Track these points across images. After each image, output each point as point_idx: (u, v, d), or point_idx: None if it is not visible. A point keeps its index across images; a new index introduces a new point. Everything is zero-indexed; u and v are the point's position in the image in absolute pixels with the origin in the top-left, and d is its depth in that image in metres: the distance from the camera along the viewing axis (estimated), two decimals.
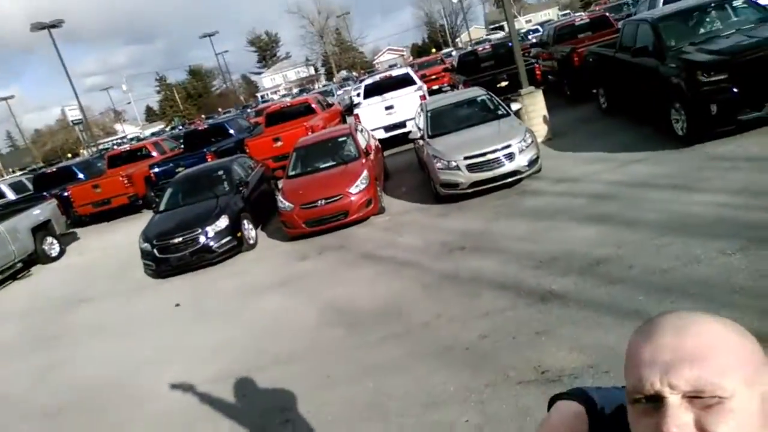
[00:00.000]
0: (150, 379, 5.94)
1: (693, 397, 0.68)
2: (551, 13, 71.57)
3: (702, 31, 8.69)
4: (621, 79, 10.42)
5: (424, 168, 9.85)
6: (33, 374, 6.94)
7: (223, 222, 9.14)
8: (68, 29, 31.63)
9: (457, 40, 78.31)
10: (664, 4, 14.50)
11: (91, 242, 14.36)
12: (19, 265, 12.33)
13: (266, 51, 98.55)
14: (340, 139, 10.44)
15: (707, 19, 8.83)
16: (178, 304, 7.96)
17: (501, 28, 72.22)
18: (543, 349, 4.31)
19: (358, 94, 17.44)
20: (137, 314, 8.12)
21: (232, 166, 10.79)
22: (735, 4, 8.91)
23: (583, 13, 34.69)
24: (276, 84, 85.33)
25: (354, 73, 63.26)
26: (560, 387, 3.83)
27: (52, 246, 13.25)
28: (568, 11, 62.95)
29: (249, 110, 38.88)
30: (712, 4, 9.08)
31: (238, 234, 9.29)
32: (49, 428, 5.55)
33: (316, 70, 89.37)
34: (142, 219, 15.09)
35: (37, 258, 12.76)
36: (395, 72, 16.93)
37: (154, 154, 17.52)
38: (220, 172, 10.58)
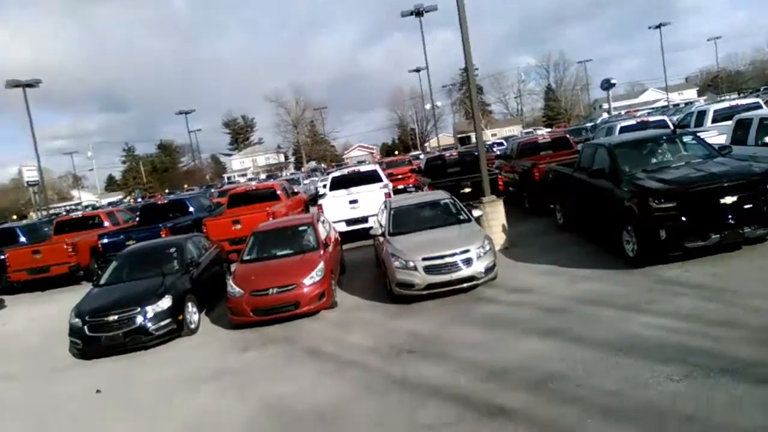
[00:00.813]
0: None
1: None
2: (515, 130, 76.05)
3: (654, 160, 9.21)
4: (577, 197, 10.82)
5: (382, 265, 9.76)
6: None
7: (165, 302, 8.65)
8: (41, 89, 31.42)
9: (426, 144, 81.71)
10: (620, 132, 15.58)
11: (19, 311, 13.41)
12: None
13: (239, 134, 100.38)
14: (301, 228, 10.31)
15: (659, 150, 9.40)
16: (99, 391, 7.27)
17: (468, 138, 76.02)
18: None
19: (324, 185, 17.59)
20: (50, 398, 7.38)
21: (186, 244, 10.44)
22: (685, 139, 9.55)
23: (545, 132, 36.80)
24: (245, 167, 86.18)
25: (323, 165, 64.58)
26: None
27: None
28: (531, 129, 67.02)
29: (213, 190, 38.74)
30: (665, 137, 9.73)
31: (180, 317, 8.78)
32: None
33: (286, 157, 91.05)
34: (80, 291, 14.30)
35: None
36: (363, 168, 17.28)
37: (107, 224, 16.94)
38: (172, 250, 10.19)
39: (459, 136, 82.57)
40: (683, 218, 7.65)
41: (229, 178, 73.03)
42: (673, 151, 9.44)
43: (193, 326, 9.10)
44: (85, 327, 8.42)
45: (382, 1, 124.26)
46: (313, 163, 70.18)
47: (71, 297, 13.53)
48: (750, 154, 9.91)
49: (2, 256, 14.96)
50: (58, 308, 12.73)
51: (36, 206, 56.17)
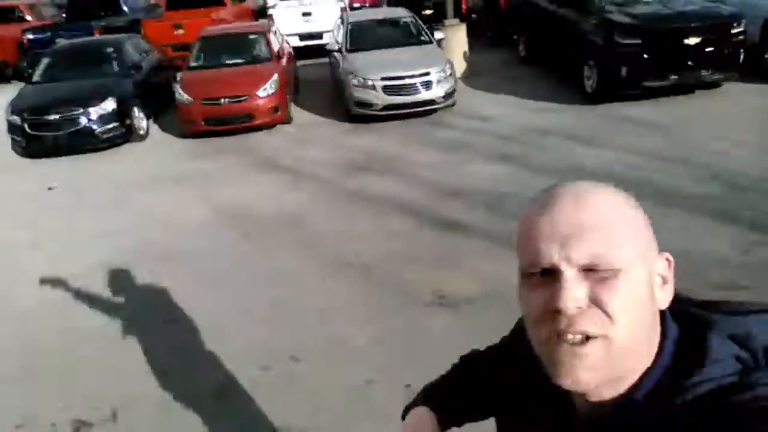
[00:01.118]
0: (17, 263, 5.33)
1: (588, 270, 0.66)
2: None
3: None
4: (542, 28, 10.52)
5: (338, 84, 9.47)
6: None
7: (109, 104, 8.21)
8: None
9: None
10: None
11: None
12: None
13: None
14: (252, 37, 9.65)
15: None
16: (51, 187, 7.15)
17: None
18: (444, 275, 4.39)
19: None
20: (2, 193, 7.19)
21: (125, 45, 9.62)
22: None
23: None
24: None
25: None
26: (454, 312, 3.95)
27: None
28: None
29: None
30: None
31: (127, 121, 8.42)
32: None
33: None
34: (9, 90, 13.28)
35: None
36: None
37: (29, 18, 15.16)
38: (110, 49, 9.40)
39: None
40: (645, 56, 7.68)
41: None
42: None
43: (142, 132, 8.79)
44: (25, 125, 7.98)
45: None
46: None
47: (1, 95, 12.63)
48: None
49: None
50: None
51: None
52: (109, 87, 8.45)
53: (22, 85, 13.15)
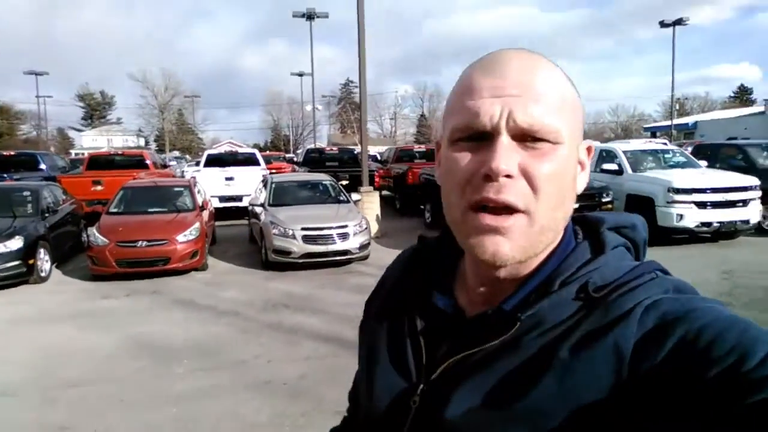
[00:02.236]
0: None
1: (523, 141, 0.64)
2: (383, 149, 78.86)
3: None
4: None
5: (256, 239, 9.85)
6: None
7: (15, 243, 7.93)
8: None
9: (299, 151, 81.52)
10: None
11: None
12: None
13: (95, 110, 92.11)
14: (176, 189, 10.05)
15: None
16: None
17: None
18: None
19: (197, 163, 17.02)
20: None
21: (42, 190, 9.61)
22: None
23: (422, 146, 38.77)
24: (97, 146, 79.12)
25: (187, 156, 61.44)
26: None
27: None
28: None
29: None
30: None
31: (30, 261, 8.10)
32: None
33: (146, 142, 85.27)
34: None
35: None
36: (241, 150, 17.04)
37: None
38: (26, 193, 9.33)
39: (315, 147, 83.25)
40: None
41: (77, 154, 66.56)
42: None
43: (43, 274, 8.42)
44: None
45: (270, 1, 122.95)
46: (176, 153, 66.54)
47: None
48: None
49: None
50: None
51: None
52: (19, 227, 8.25)
53: None
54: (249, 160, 15.67)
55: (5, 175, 13.21)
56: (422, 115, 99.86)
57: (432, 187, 12.74)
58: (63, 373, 4.95)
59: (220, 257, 9.98)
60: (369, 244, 9.12)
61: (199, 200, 10.01)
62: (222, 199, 14.05)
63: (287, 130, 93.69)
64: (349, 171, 14.65)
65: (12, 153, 16.64)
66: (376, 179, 14.87)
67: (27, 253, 8.06)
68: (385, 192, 16.54)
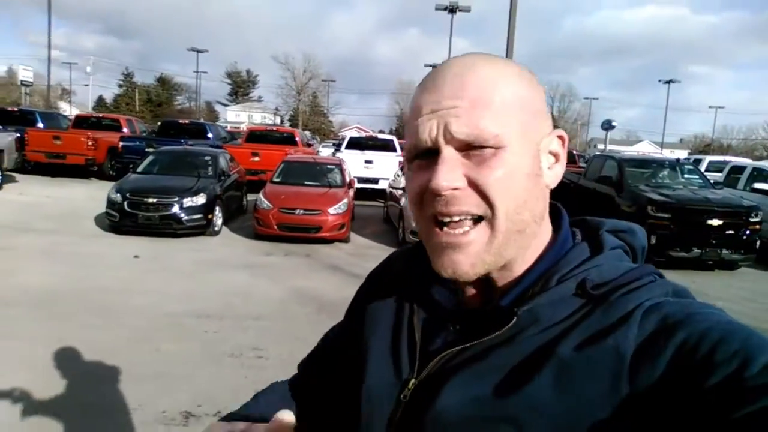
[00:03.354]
0: (116, 301, 6.03)
1: (468, 150, 0.64)
2: None
3: (655, 180, 10.32)
4: (580, 201, 11.89)
5: (392, 220, 10.70)
6: None
7: (200, 199, 9.40)
8: None
9: None
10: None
11: (31, 188, 13.87)
12: None
13: (240, 87, 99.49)
14: (329, 166, 11.16)
15: (662, 173, 10.53)
16: (137, 256, 8.02)
17: None
18: None
19: (339, 145, 18.33)
20: (92, 254, 8.08)
21: (219, 155, 11.17)
22: (686, 168, 10.71)
23: None
24: (239, 120, 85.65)
25: (317, 138, 64.84)
26: None
27: None
28: None
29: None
30: (668, 163, 10.88)
31: (209, 216, 9.54)
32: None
33: (282, 120, 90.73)
34: (89, 185, 14.90)
35: None
36: (380, 135, 18.06)
37: (125, 129, 17.42)
38: (207, 157, 10.91)
39: None
40: (673, 228, 8.74)
41: (224, 127, 72.55)
42: (674, 176, 10.59)
43: (216, 228, 9.86)
44: (125, 203, 9.11)
45: None
46: (308, 133, 70.30)
47: (80, 186, 14.24)
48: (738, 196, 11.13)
49: (22, 135, 15.28)
50: (69, 193, 13.36)
51: (24, 107, 55.22)
52: (202, 185, 9.73)
53: (101, 182, 14.86)
54: (387, 146, 16.65)
55: (182, 141, 15.21)
56: (552, 116, 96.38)
57: (566, 188, 12.86)
58: (248, 309, 6.03)
59: (358, 233, 10.94)
60: None
61: (348, 178, 11.04)
62: (360, 180, 15.11)
63: None
64: None
65: (187, 121, 19.10)
66: None
67: (207, 208, 9.51)
68: None
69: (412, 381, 0.72)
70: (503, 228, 0.65)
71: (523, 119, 0.66)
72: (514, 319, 0.65)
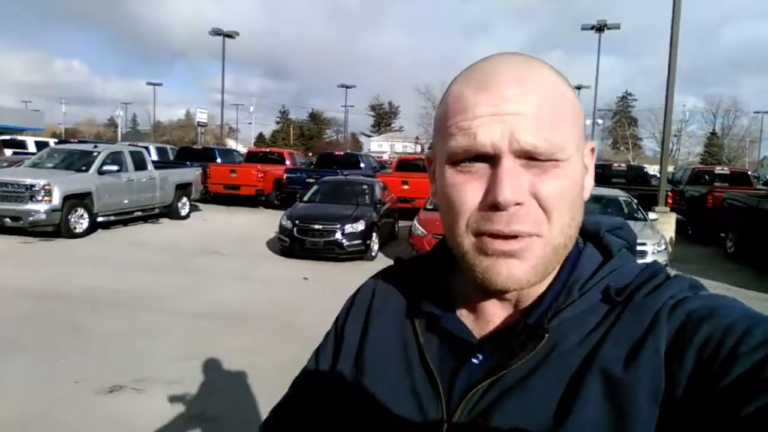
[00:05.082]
0: (292, 318, 6.64)
1: (528, 159, 0.60)
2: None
3: None
4: (760, 226, 10.67)
5: None
6: (183, 289, 7.83)
7: (359, 225, 10.01)
8: (216, 47, 34.73)
9: None
10: None
11: (213, 216, 15.73)
12: (156, 211, 13.73)
13: (383, 119, 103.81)
14: None
15: None
16: (306, 278, 8.73)
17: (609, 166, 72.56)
18: None
19: None
20: (269, 274, 8.96)
21: (375, 185, 11.82)
22: None
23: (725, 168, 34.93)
24: (382, 150, 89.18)
25: None
26: None
27: (184, 206, 14.65)
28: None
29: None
30: None
31: (368, 241, 10.10)
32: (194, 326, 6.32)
33: (422, 149, 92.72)
34: (258, 213, 16.47)
35: (169, 211, 14.13)
36: None
37: (288, 162, 19.13)
38: (365, 186, 11.61)
39: (600, 163, 79.02)
40: None
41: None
42: None
43: (373, 254, 10.40)
44: (294, 229, 9.99)
45: (552, 12, 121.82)
46: None
47: (252, 214, 15.78)
48: None
49: (205, 169, 17.44)
50: (243, 220, 14.90)
51: (201, 144, 63.03)
52: (361, 212, 10.36)
53: (268, 210, 16.34)
54: None
55: (338, 171, 16.32)
56: (713, 133, 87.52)
57: (737, 213, 11.61)
58: None
59: None
60: (667, 264, 8.91)
61: None
62: None
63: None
64: (639, 189, 14.18)
65: (342, 153, 20.53)
66: (669, 198, 14.06)
67: (366, 234, 10.08)
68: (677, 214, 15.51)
69: (445, 426, 0.66)
70: (556, 242, 0.62)
71: (578, 129, 0.64)
72: (546, 337, 0.63)
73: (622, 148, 76.32)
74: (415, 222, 10.24)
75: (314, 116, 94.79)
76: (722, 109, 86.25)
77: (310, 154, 65.75)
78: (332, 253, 9.93)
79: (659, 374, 0.57)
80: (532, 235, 0.61)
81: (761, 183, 21.59)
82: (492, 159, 0.60)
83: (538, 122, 0.59)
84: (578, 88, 50.38)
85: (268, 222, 13.54)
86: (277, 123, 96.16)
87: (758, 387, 0.50)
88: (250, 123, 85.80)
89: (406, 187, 15.39)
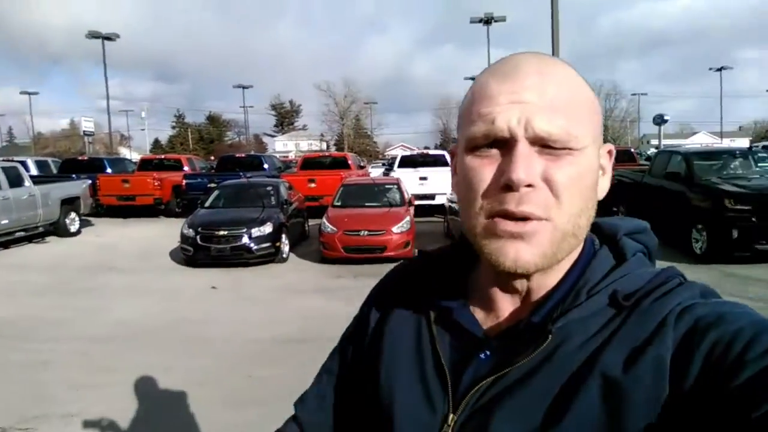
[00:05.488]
0: (202, 331, 6.25)
1: (543, 147, 0.62)
2: None
3: (726, 171, 9.89)
4: (645, 199, 11.51)
5: (454, 235, 10.70)
6: (77, 311, 7.15)
7: (267, 228, 9.67)
8: (97, 49, 32.26)
9: None
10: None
11: (108, 230, 14.63)
12: (40, 229, 12.53)
13: (285, 118, 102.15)
14: (388, 186, 11.28)
15: (733, 163, 10.09)
16: (214, 287, 8.30)
17: None
18: None
19: (390, 165, 18.51)
20: (173, 287, 8.42)
21: (280, 185, 11.48)
22: (759, 156, 10.23)
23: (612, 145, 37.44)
24: (287, 149, 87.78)
25: (364, 159, 65.57)
26: None
27: (73, 222, 13.49)
28: None
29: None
30: (739, 152, 10.42)
31: (277, 243, 9.79)
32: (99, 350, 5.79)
33: (328, 146, 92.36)
34: (158, 223, 15.56)
35: (56, 229, 12.97)
36: (432, 151, 18.15)
37: (186, 168, 18.20)
38: (269, 188, 11.25)
39: None
40: (755, 221, 8.33)
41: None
42: (747, 166, 10.12)
43: (284, 255, 10.10)
44: (197, 237, 9.47)
45: (443, 7, 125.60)
46: (354, 154, 71.09)
47: (151, 225, 14.87)
48: None
49: (93, 181, 16.17)
50: (141, 232, 13.98)
51: (89, 155, 58.60)
52: (268, 215, 10.02)
53: (169, 219, 15.51)
54: (438, 162, 16.68)
55: (240, 174, 15.75)
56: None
57: (625, 188, 12.48)
58: (330, 332, 6.07)
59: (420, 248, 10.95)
60: None
61: (407, 196, 11.12)
62: (417, 197, 15.16)
63: (455, 133, 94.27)
64: None
65: (243, 155, 19.85)
66: None
67: (275, 236, 9.76)
68: None
69: (451, 417, 0.68)
70: (563, 228, 0.63)
71: (594, 124, 0.66)
72: (549, 338, 0.64)
73: None
74: (324, 220, 10.07)
75: (212, 119, 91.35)
76: (604, 93, 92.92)
77: (212, 158, 63.52)
78: (241, 258, 9.52)
79: (662, 379, 0.58)
80: (542, 219, 0.62)
81: (644, 159, 23.41)
82: (508, 144, 0.62)
83: (554, 111, 0.62)
84: (472, 79, 52.35)
85: (169, 231, 12.76)
86: (173, 128, 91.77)
87: (765, 392, 0.51)
88: (143, 129, 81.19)
89: (312, 185, 15.15)
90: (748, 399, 0.51)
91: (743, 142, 76.75)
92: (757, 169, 9.98)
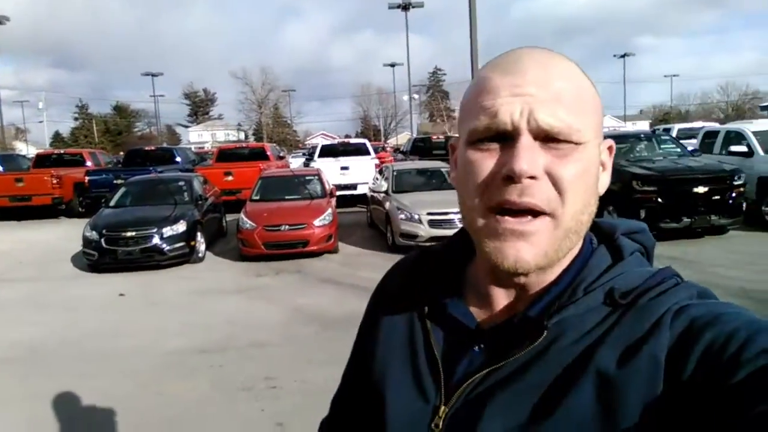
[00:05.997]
0: (110, 346, 5.72)
1: (546, 140, 0.61)
2: None
3: (633, 154, 10.37)
4: None
5: (377, 224, 10.53)
6: None
7: (180, 227, 9.08)
8: None
9: (388, 141, 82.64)
10: None
11: (0, 235, 13.30)
12: None
13: (199, 107, 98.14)
14: (307, 178, 10.93)
15: (639, 146, 10.58)
16: (122, 294, 7.68)
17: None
18: None
19: (311, 154, 18.10)
20: (75, 297, 7.70)
21: (193, 180, 10.84)
22: (662, 138, 10.80)
23: None
24: (202, 140, 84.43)
25: (284, 149, 64.23)
26: None
27: None
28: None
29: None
30: (644, 135, 10.95)
31: (192, 243, 9.22)
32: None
33: (246, 136, 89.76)
34: (59, 224, 14.38)
35: None
36: (353, 140, 17.90)
37: (89, 163, 16.87)
38: (182, 183, 10.59)
39: (421, 136, 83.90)
40: (660, 201, 8.77)
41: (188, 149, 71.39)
42: (651, 148, 10.66)
43: (200, 255, 9.55)
44: (102, 240, 8.74)
45: None
46: (275, 145, 69.56)
47: (51, 227, 13.73)
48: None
49: None
50: (40, 235, 12.85)
51: None
52: (180, 213, 9.41)
53: (71, 220, 14.39)
54: (360, 150, 16.46)
55: (150, 168, 14.79)
56: None
57: None
58: (251, 337, 5.78)
59: (345, 241, 10.72)
60: None
61: (328, 187, 10.83)
62: (339, 187, 14.87)
63: (376, 120, 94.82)
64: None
65: (153, 148, 18.62)
66: None
67: (189, 235, 9.18)
68: None
69: (442, 409, 0.68)
70: (566, 225, 0.63)
71: (597, 120, 0.66)
72: (545, 333, 0.64)
73: (438, 120, 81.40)
74: (242, 215, 9.59)
75: (119, 109, 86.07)
76: None
77: (122, 152, 59.88)
78: (152, 260, 8.88)
79: (656, 378, 0.58)
80: (545, 214, 0.62)
81: None
82: (511, 137, 0.62)
83: (557, 104, 0.61)
84: (392, 65, 52.39)
85: (71, 234, 11.73)
86: (76, 119, 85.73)
87: (759, 393, 0.51)
88: (41, 121, 75.15)
89: (229, 178, 14.49)
90: (743, 399, 0.52)
91: (644, 125, 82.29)
92: (660, 151, 10.53)
